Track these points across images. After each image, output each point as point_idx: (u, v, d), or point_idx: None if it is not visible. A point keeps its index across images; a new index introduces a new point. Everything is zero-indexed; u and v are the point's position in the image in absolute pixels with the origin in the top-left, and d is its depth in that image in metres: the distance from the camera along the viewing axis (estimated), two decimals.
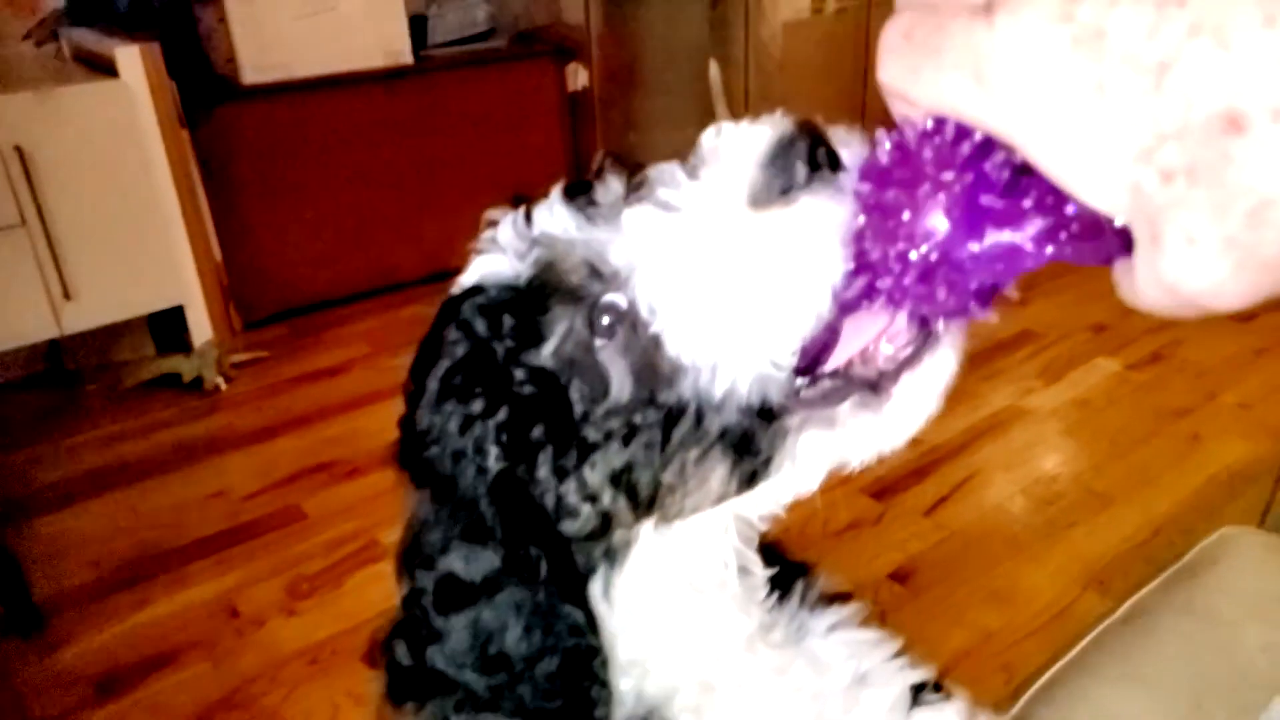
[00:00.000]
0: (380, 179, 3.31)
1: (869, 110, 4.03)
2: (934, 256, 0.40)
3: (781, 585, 0.67)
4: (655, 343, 0.52)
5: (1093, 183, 0.33)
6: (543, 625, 0.56)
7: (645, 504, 0.56)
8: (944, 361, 0.52)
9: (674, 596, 0.60)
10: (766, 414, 0.52)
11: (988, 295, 0.42)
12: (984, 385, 2.66)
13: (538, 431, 0.55)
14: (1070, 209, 0.36)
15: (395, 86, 3.25)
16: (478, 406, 0.56)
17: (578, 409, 0.54)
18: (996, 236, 0.39)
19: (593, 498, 0.56)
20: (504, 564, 0.56)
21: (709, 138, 0.53)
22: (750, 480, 0.54)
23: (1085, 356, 2.80)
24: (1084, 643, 0.86)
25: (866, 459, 0.54)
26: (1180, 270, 0.32)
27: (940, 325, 0.51)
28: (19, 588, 1.94)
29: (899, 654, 0.69)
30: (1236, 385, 2.61)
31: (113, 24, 2.91)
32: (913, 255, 0.41)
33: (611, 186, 0.56)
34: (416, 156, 3.35)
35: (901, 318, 0.52)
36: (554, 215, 0.56)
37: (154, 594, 2.02)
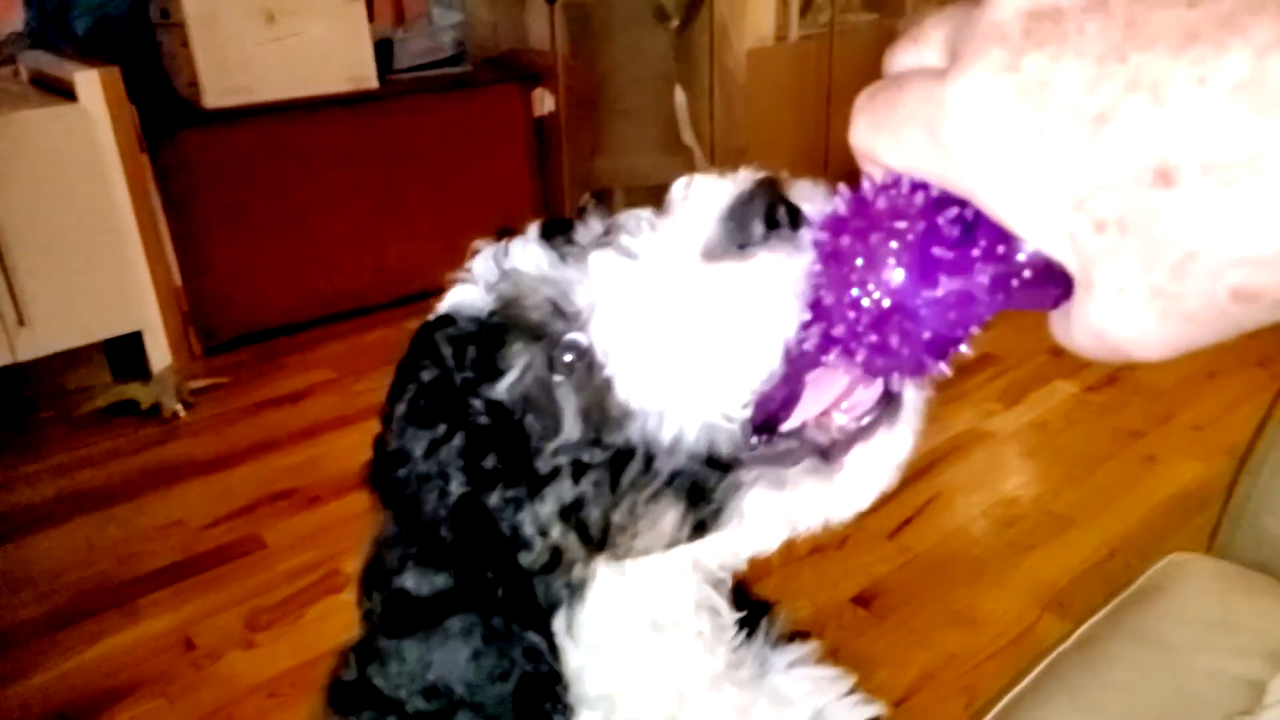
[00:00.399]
0: (344, 203, 3.30)
1: (833, 137, 4.08)
2: (887, 304, 0.41)
3: (748, 624, 0.68)
4: (608, 384, 0.53)
5: (1036, 229, 0.34)
6: (496, 650, 0.56)
7: (596, 541, 0.56)
8: (900, 438, 0.52)
9: (638, 634, 0.61)
10: (718, 464, 0.52)
11: (943, 349, 0.43)
12: (946, 408, 2.68)
13: (490, 462, 0.56)
14: (1020, 257, 0.37)
15: (360, 111, 3.25)
16: (439, 432, 0.57)
17: (532, 443, 0.55)
18: (949, 285, 0.40)
19: (544, 531, 0.56)
20: (457, 588, 0.56)
21: (679, 188, 0.54)
22: (701, 529, 0.54)
23: (1044, 379, 2.83)
24: (1036, 672, 0.87)
25: (813, 526, 0.55)
26: (1108, 317, 0.33)
27: (901, 395, 0.52)
28: None
29: (854, 690, 0.71)
30: (1190, 407, 2.65)
31: (72, 47, 2.89)
32: (865, 303, 0.42)
33: (592, 227, 0.57)
34: (381, 181, 3.34)
35: (865, 387, 0.53)
36: (528, 251, 0.57)
37: (108, 627, 1.98)
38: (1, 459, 2.60)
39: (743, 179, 0.51)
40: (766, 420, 0.52)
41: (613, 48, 3.83)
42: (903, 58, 0.39)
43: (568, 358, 0.54)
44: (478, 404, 0.56)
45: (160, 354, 2.88)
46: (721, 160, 3.82)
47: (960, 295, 0.40)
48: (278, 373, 3.07)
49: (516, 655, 0.57)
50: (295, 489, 2.44)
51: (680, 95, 3.92)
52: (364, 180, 3.31)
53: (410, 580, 0.57)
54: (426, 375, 0.58)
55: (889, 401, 0.53)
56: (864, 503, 0.54)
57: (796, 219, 0.48)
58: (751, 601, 0.71)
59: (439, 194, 3.46)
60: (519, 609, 0.57)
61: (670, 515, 0.54)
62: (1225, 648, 0.85)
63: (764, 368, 0.48)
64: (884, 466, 0.53)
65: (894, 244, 0.40)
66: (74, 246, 2.65)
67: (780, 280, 0.47)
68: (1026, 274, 0.38)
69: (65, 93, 2.62)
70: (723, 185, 0.51)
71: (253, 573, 2.13)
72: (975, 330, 0.42)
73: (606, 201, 0.60)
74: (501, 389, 0.55)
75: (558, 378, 0.54)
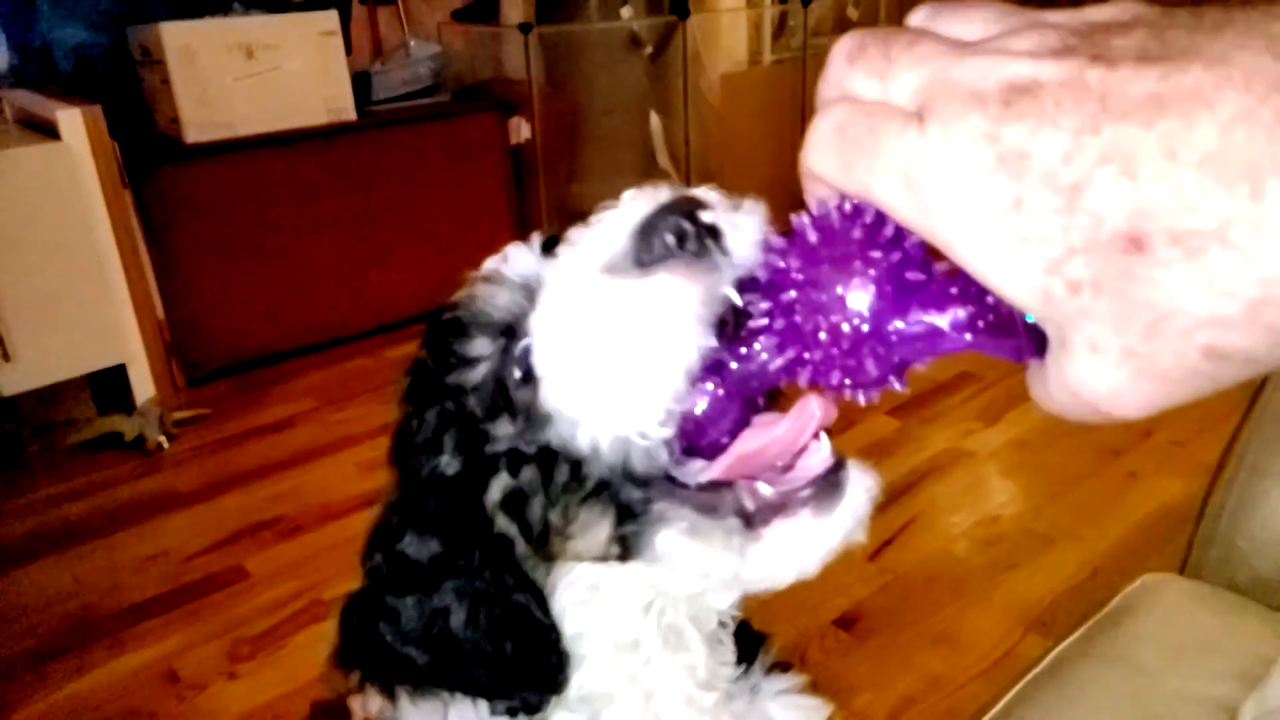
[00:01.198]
0: (325, 234, 3.31)
1: None
2: (864, 329, 0.42)
3: (744, 657, 0.70)
4: (537, 385, 0.55)
5: (1012, 287, 0.35)
6: (487, 610, 0.59)
7: (536, 538, 0.58)
8: (832, 526, 0.51)
9: (611, 646, 0.62)
10: (638, 481, 0.52)
11: (902, 369, 0.44)
12: (925, 428, 2.71)
13: (449, 443, 0.59)
14: (990, 299, 0.39)
15: (339, 142, 3.27)
16: (418, 410, 0.61)
17: (484, 426, 0.58)
18: (920, 316, 0.41)
19: (493, 517, 0.59)
20: (445, 554, 0.59)
21: (605, 206, 0.55)
22: (628, 550, 0.55)
23: (1024, 397, 2.73)
24: (1008, 696, 0.88)
25: (720, 587, 0.55)
26: (1083, 376, 0.34)
27: (844, 475, 0.51)
28: None
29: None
30: (1170, 424, 2.65)
31: (55, 85, 2.91)
32: (845, 329, 0.42)
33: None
34: (361, 211, 3.36)
35: (817, 451, 0.52)
36: (522, 254, 0.60)
37: (92, 661, 1.97)
38: None
39: (664, 194, 0.52)
40: (711, 445, 0.53)
41: (587, 75, 3.86)
42: (865, 87, 0.39)
43: (518, 354, 0.56)
44: (446, 390, 0.59)
45: (144, 386, 2.88)
46: (698, 183, 3.82)
47: (931, 329, 0.41)
48: (260, 403, 3.07)
49: (507, 614, 0.59)
50: (278, 518, 2.44)
51: (655, 120, 3.95)
52: (344, 211, 3.33)
53: (409, 544, 0.60)
54: (421, 361, 0.62)
55: (830, 479, 0.51)
56: (779, 583, 0.52)
57: (714, 237, 0.48)
58: (749, 634, 0.72)
59: (417, 223, 3.48)
60: (501, 573, 0.59)
61: (603, 525, 0.54)
62: (1197, 670, 0.86)
63: (665, 388, 0.48)
64: (804, 552, 0.51)
65: (871, 271, 0.41)
66: (58, 281, 2.66)
67: (677, 302, 0.47)
68: (993, 318, 0.39)
69: (49, 131, 2.63)
70: (650, 201, 0.52)
71: (236, 603, 2.13)
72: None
73: None
74: (461, 377, 0.59)
75: (515, 373, 0.56)
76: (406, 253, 3.46)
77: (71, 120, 2.61)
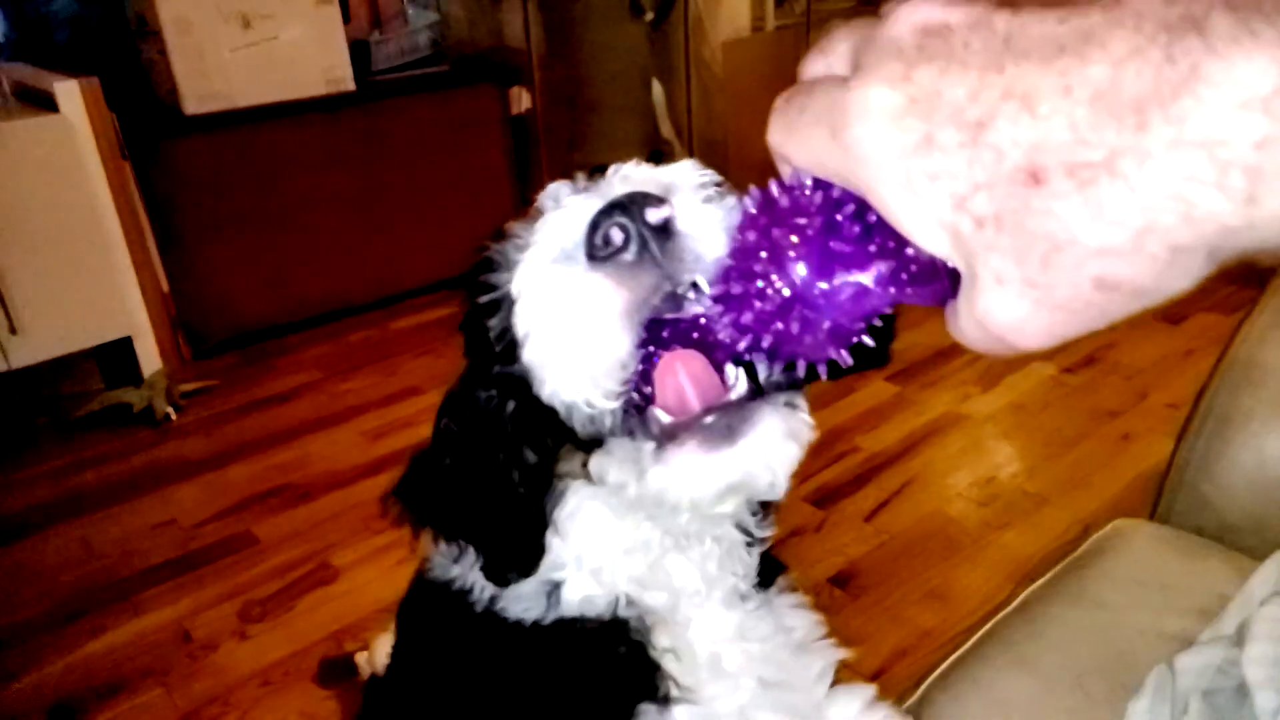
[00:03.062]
0: (326, 205, 3.33)
1: None
2: (788, 293, 0.44)
3: (765, 583, 0.76)
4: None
5: (923, 228, 0.37)
6: (498, 494, 0.65)
7: (542, 456, 0.64)
8: (720, 462, 0.53)
9: (624, 554, 0.67)
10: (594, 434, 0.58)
11: (844, 338, 0.46)
12: (924, 392, 2.73)
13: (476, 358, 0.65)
14: (910, 252, 0.41)
15: (338, 113, 3.27)
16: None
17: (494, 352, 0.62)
18: (844, 277, 0.43)
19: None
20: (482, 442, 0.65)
21: (611, 171, 0.58)
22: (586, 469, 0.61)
23: (1021, 361, 2.85)
24: (979, 633, 0.92)
25: (670, 498, 0.58)
26: (989, 307, 0.36)
27: (753, 414, 0.54)
28: None
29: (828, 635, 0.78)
30: (1166, 386, 2.69)
31: (52, 58, 2.92)
32: (770, 293, 0.45)
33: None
34: (362, 182, 3.37)
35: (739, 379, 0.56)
36: (569, 193, 0.62)
37: (106, 623, 2.03)
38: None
39: (614, 188, 0.55)
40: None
41: (588, 44, 3.85)
42: (813, 67, 0.43)
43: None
44: (480, 316, 0.63)
45: (150, 359, 2.91)
46: (701, 153, 3.84)
47: (856, 289, 0.43)
48: (266, 374, 3.11)
49: (510, 502, 0.65)
50: (285, 486, 2.48)
51: (657, 89, 3.94)
52: (345, 182, 3.34)
53: (458, 420, 0.67)
54: (485, 263, 0.65)
55: (735, 416, 0.54)
56: (681, 497, 0.55)
57: (663, 236, 0.51)
58: (770, 562, 0.78)
59: (419, 194, 3.49)
60: (511, 468, 0.65)
61: (576, 456, 0.61)
62: (1159, 606, 0.89)
63: (600, 373, 0.53)
64: (697, 481, 0.54)
65: (795, 238, 0.44)
66: (62, 255, 2.68)
67: (606, 303, 0.52)
68: (914, 269, 0.41)
69: (47, 103, 2.65)
70: (594, 194, 0.56)
71: (245, 567, 2.18)
72: (875, 321, 0.46)
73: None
74: (488, 298, 0.62)
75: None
76: (409, 224, 3.48)
77: (69, 92, 2.62)
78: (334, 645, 1.91)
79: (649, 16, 3.86)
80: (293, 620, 2.00)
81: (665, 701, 0.68)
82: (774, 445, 0.54)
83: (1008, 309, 0.36)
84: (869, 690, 0.80)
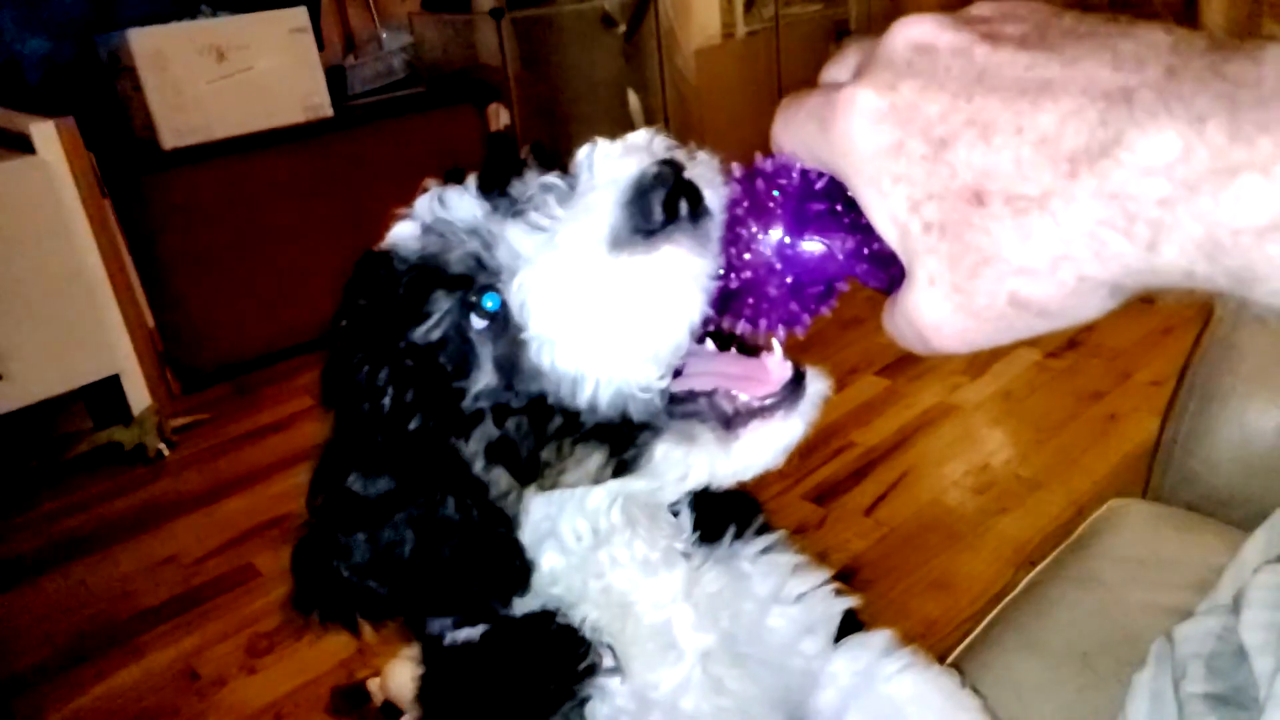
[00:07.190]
0: (310, 231, 3.32)
1: None
2: (762, 240, 0.49)
3: (718, 523, 0.73)
4: (522, 341, 0.57)
5: (884, 219, 0.42)
6: (451, 537, 0.61)
7: (525, 475, 0.61)
8: (793, 425, 0.58)
9: (575, 545, 0.66)
10: (635, 423, 0.57)
11: (806, 301, 0.50)
12: (913, 385, 2.76)
13: (409, 396, 0.60)
14: (875, 233, 0.44)
15: (318, 140, 3.29)
16: (370, 361, 0.61)
17: (452, 384, 0.60)
18: (814, 238, 0.49)
19: (470, 463, 0.61)
20: (399, 490, 0.61)
21: (584, 155, 0.58)
22: (622, 470, 0.60)
23: (1007, 349, 2.88)
24: (987, 620, 0.93)
25: (707, 481, 0.60)
26: (917, 304, 0.41)
27: (805, 384, 0.59)
28: None
29: (827, 582, 0.77)
30: (1148, 364, 2.72)
31: (26, 99, 2.91)
32: (745, 238, 0.50)
33: (529, 181, 0.61)
34: (344, 207, 3.36)
35: (775, 364, 0.59)
36: (464, 201, 0.62)
37: (111, 666, 2.02)
38: None
39: (641, 159, 0.55)
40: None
41: (563, 57, 3.88)
42: (825, 75, 0.47)
43: (487, 306, 0.59)
44: (401, 345, 0.60)
45: (139, 395, 2.90)
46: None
47: (823, 249, 0.48)
48: (256, 405, 3.11)
49: (474, 539, 0.61)
50: (283, 516, 2.46)
51: (633, 99, 3.97)
52: (327, 208, 3.34)
53: (355, 483, 0.61)
54: (362, 303, 0.63)
55: (794, 389, 0.59)
56: (750, 473, 0.59)
57: (697, 203, 0.52)
58: (743, 503, 0.76)
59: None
60: (469, 505, 0.61)
61: (595, 457, 0.59)
62: (1156, 582, 0.91)
63: (672, 351, 0.54)
64: (775, 446, 0.58)
65: (776, 194, 0.49)
66: (45, 296, 2.68)
67: (683, 275, 0.52)
68: (876, 247, 0.46)
69: (23, 144, 2.64)
70: (624, 164, 0.55)
71: (249, 601, 2.18)
72: (837, 286, 0.50)
73: (553, 158, 0.64)
74: (420, 333, 0.60)
75: (477, 324, 0.59)
76: None
77: (45, 133, 2.61)
78: (344, 674, 1.90)
79: (621, 28, 3.89)
80: (301, 651, 2.00)
81: (595, 675, 0.67)
82: (819, 398, 0.59)
83: (933, 308, 0.41)
84: (883, 637, 0.78)
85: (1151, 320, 2.88)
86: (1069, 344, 2.86)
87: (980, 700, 0.78)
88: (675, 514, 0.72)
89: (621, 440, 0.58)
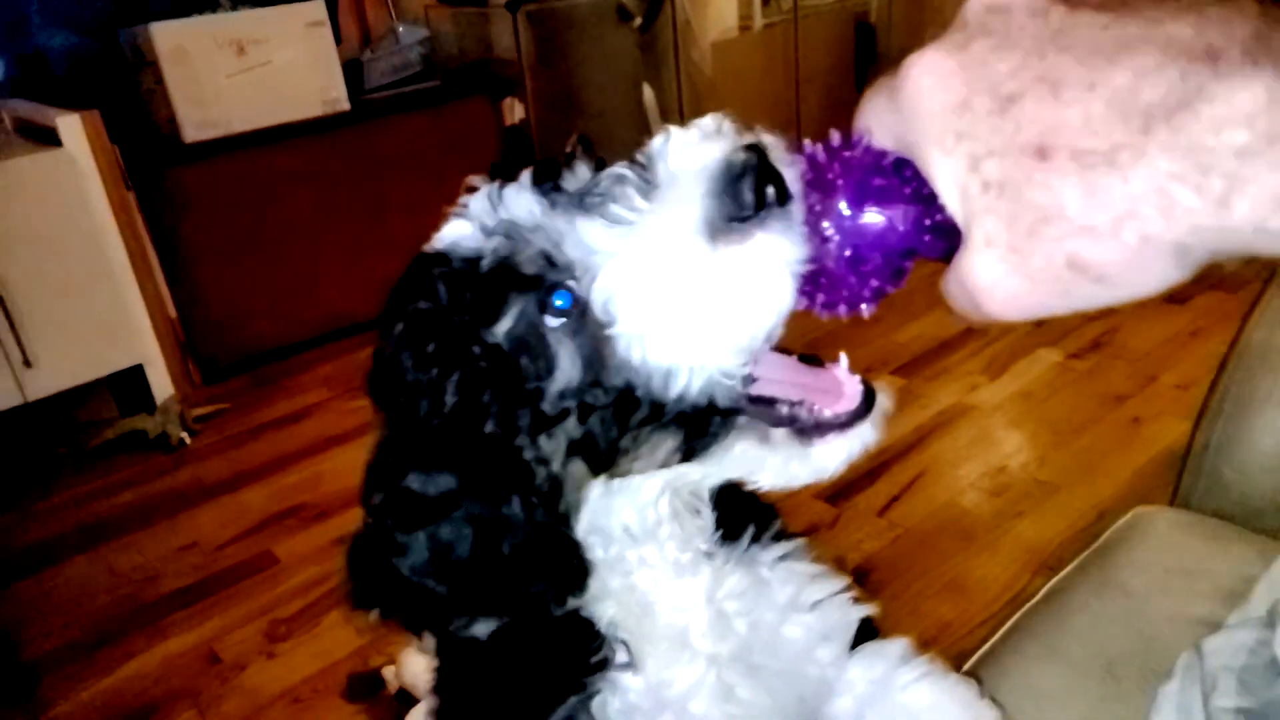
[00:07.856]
0: (328, 225, 3.35)
1: (803, 122, 4.12)
2: (833, 229, 0.50)
3: (738, 526, 0.73)
4: (605, 337, 0.57)
5: (945, 181, 0.41)
6: (512, 536, 0.60)
7: (600, 465, 0.62)
8: (865, 436, 0.61)
9: (619, 541, 0.67)
10: (716, 410, 0.58)
11: (865, 274, 0.51)
12: (930, 385, 2.74)
13: (486, 397, 0.59)
14: (939, 203, 0.44)
15: (336, 133, 3.30)
16: (437, 365, 0.60)
17: (531, 384, 0.59)
18: (877, 210, 0.49)
19: (546, 462, 0.61)
20: (461, 488, 0.59)
21: (659, 146, 0.57)
22: (689, 455, 0.61)
23: (1027, 349, 2.85)
24: (1007, 625, 0.93)
25: (772, 484, 0.62)
26: (972, 265, 0.41)
27: (875, 400, 0.61)
28: (9, 653, 1.97)
29: (844, 590, 0.77)
30: (1174, 367, 2.68)
31: (52, 93, 2.94)
32: (822, 233, 0.51)
33: (579, 173, 0.62)
34: (362, 200, 3.39)
35: (846, 378, 0.62)
36: (521, 198, 0.61)
37: (135, 648, 2.05)
38: (19, 496, 2.67)
39: (725, 143, 0.55)
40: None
41: (578, 51, 3.87)
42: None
43: (559, 304, 0.58)
44: (475, 348, 0.59)
45: (162, 385, 2.94)
46: None
47: (885, 221, 0.49)
48: (276, 395, 3.13)
49: (535, 537, 0.60)
50: (301, 506, 2.50)
51: (648, 93, 3.95)
52: (345, 200, 3.36)
53: (414, 482, 0.60)
54: (423, 306, 0.61)
55: (868, 404, 0.61)
56: (818, 479, 0.61)
57: (783, 189, 0.52)
58: (759, 508, 0.76)
59: (418, 208, 3.47)
60: (532, 503, 0.60)
61: (670, 443, 0.60)
62: (1183, 591, 0.90)
63: (765, 336, 0.55)
64: (845, 456, 0.61)
65: (840, 168, 0.50)
66: (71, 287, 2.71)
67: (779, 261, 0.52)
68: (939, 218, 0.46)
69: (50, 138, 2.67)
70: (706, 150, 0.55)
71: (269, 587, 2.20)
72: (906, 266, 0.51)
73: (592, 149, 0.64)
74: (499, 333, 0.59)
75: (552, 323, 0.58)
76: (408, 239, 3.44)
77: (71, 126, 2.64)
78: (360, 661, 1.92)
79: (637, 21, 3.87)
80: (318, 637, 2.02)
81: (607, 669, 0.67)
82: (885, 413, 0.62)
83: (987, 270, 0.40)
84: (899, 645, 0.78)
85: (1178, 322, 2.84)
86: (1092, 345, 2.83)
87: (999, 709, 0.79)
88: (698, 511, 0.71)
89: (697, 426, 0.59)
